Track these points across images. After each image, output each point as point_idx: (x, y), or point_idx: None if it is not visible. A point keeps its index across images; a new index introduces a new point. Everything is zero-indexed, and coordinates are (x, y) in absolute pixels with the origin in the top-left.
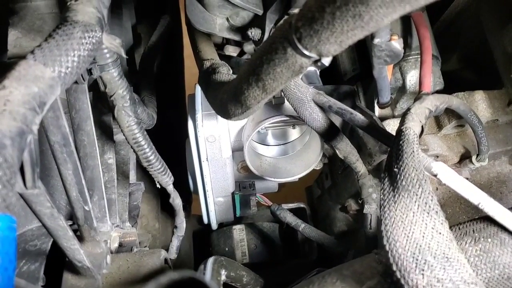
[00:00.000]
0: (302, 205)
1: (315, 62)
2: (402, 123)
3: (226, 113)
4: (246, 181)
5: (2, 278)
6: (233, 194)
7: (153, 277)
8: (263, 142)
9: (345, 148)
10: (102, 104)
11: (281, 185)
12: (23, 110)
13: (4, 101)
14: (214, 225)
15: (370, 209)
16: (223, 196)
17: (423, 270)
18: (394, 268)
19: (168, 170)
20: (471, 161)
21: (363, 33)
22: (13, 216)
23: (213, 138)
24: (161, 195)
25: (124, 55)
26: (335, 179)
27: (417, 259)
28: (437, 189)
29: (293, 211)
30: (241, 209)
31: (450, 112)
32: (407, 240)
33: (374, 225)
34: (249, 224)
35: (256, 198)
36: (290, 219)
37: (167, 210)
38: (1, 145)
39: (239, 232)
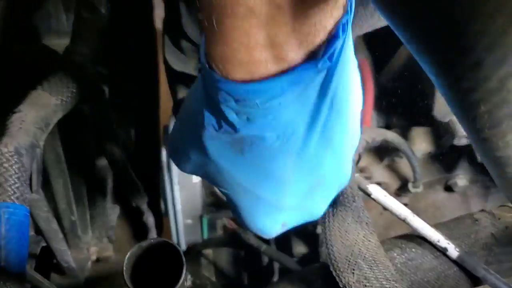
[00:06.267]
0: None
1: None
2: None
3: None
4: (213, 206)
5: (20, 252)
6: (201, 217)
7: None
8: None
9: None
10: (89, 130)
11: None
12: (34, 129)
13: (20, 121)
14: (183, 246)
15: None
16: (192, 219)
17: (353, 270)
18: (331, 268)
19: (143, 191)
20: (408, 188)
21: None
22: (28, 208)
23: None
24: (132, 220)
25: None
26: None
27: (349, 261)
28: (381, 213)
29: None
30: (208, 231)
31: (390, 145)
32: (342, 245)
33: None
34: (215, 249)
35: (222, 222)
36: (253, 241)
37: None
38: (19, 153)
39: (205, 257)
